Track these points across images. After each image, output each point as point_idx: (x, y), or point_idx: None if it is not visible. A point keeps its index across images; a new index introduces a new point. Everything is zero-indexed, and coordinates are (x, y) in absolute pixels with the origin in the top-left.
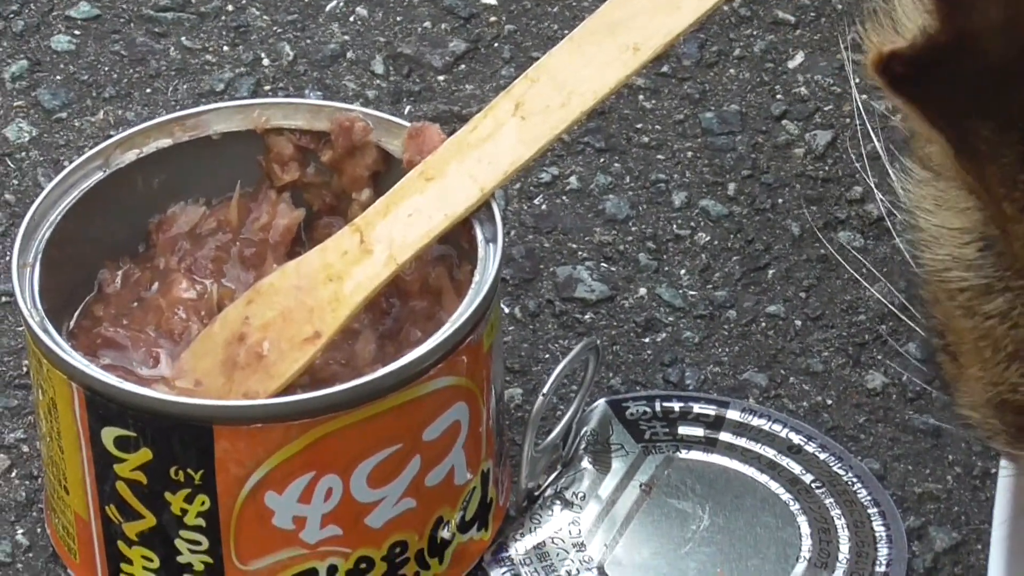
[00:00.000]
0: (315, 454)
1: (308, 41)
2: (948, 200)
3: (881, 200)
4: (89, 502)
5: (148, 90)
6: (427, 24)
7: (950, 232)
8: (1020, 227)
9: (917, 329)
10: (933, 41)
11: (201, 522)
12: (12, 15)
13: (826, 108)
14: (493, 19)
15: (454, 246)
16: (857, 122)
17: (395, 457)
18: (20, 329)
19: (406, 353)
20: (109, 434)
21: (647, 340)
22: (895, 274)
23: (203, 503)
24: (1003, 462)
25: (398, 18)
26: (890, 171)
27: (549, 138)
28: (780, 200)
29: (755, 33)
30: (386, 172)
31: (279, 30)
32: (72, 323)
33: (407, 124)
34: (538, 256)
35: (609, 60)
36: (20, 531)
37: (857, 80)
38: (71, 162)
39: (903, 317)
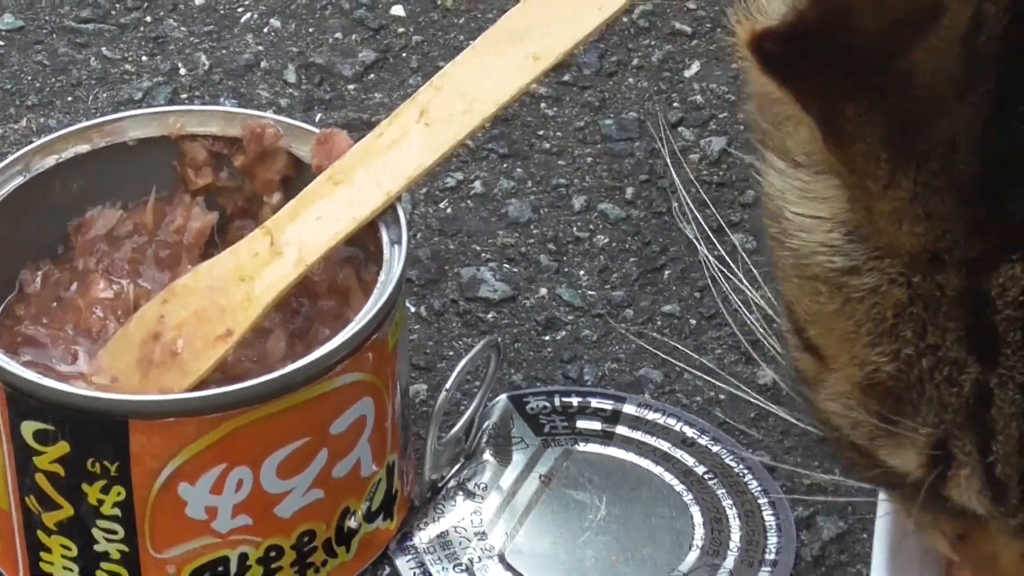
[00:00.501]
0: (226, 447)
1: (223, 51)
2: (813, 190)
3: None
4: (10, 493)
5: (69, 98)
6: (338, 35)
7: (816, 220)
8: (883, 204)
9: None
10: (803, 17)
11: (117, 512)
12: None
13: (720, 115)
14: (401, 30)
15: (361, 248)
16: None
17: (303, 450)
18: None
19: (315, 350)
20: (28, 428)
21: (547, 338)
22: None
23: (119, 494)
24: None
25: (310, 29)
26: (756, 165)
27: (452, 144)
28: (676, 203)
29: (653, 44)
30: (296, 177)
31: (196, 40)
32: None
33: (316, 130)
34: (443, 258)
35: (510, 69)
36: None
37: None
38: None
39: (764, 338)
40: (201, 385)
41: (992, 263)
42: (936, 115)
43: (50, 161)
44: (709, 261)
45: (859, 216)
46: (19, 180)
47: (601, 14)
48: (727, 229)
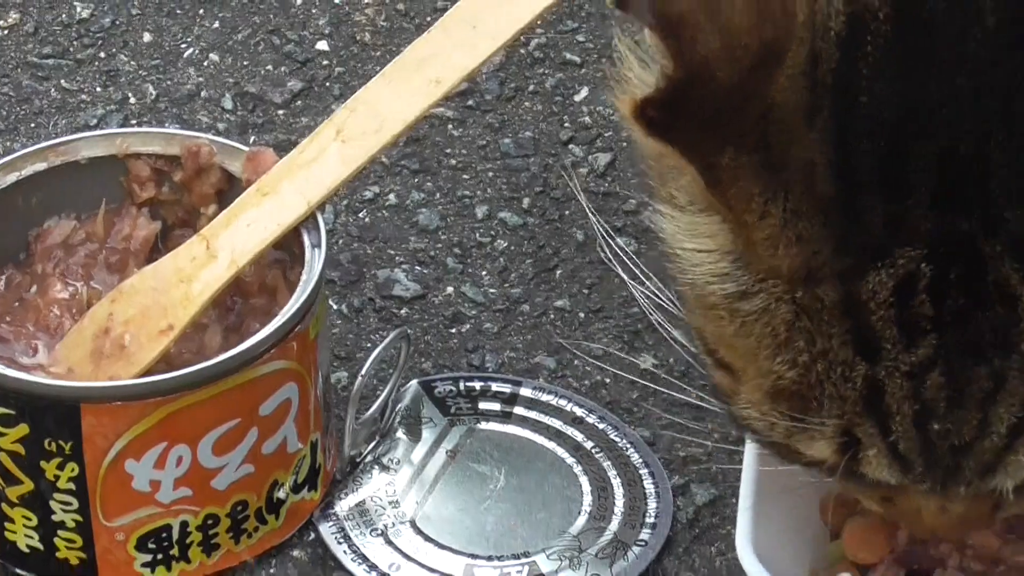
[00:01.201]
0: (167, 427)
1: (168, 82)
2: (699, 228)
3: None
4: None
5: (32, 125)
6: (269, 67)
7: (705, 254)
8: (760, 233)
9: (671, 331)
10: (672, 80)
11: (72, 486)
12: None
13: (606, 134)
14: (325, 63)
15: (287, 252)
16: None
17: (236, 430)
18: None
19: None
20: None
21: (453, 330)
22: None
23: (73, 470)
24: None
25: (245, 62)
26: (649, 215)
27: (365, 159)
28: (567, 212)
29: (547, 72)
30: (229, 190)
31: (144, 73)
32: None
33: (245, 148)
34: (362, 261)
35: (415, 92)
36: None
37: None
38: None
39: (657, 323)
40: (146, 374)
41: (861, 272)
42: (793, 145)
43: (12, 178)
44: (605, 253)
45: (741, 246)
46: None
47: (493, 43)
48: (611, 234)
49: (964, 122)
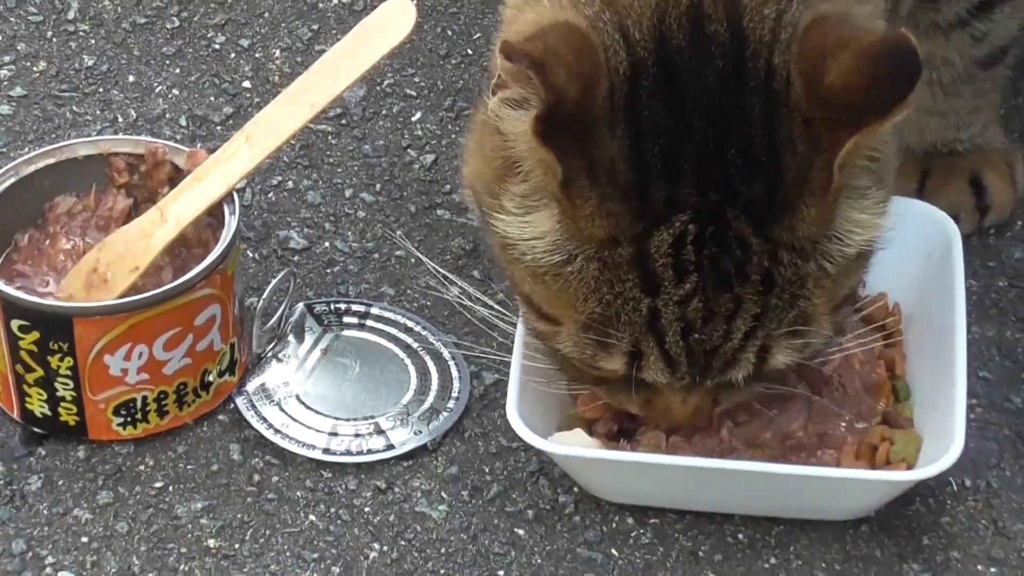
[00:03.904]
0: (132, 333)
1: (144, 108)
2: (532, 223)
3: None
4: (6, 364)
5: (53, 136)
6: (211, 98)
7: (538, 239)
8: (582, 212)
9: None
10: (546, 101)
11: (69, 373)
12: None
13: (432, 143)
14: (248, 95)
15: (215, 217)
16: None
17: (178, 334)
18: None
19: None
20: (15, 324)
21: (328, 271)
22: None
23: (69, 362)
24: (519, 329)
25: (196, 95)
26: (485, 226)
27: (263, 156)
28: (405, 193)
29: (394, 101)
30: (177, 177)
31: (128, 102)
32: None
33: (187, 150)
34: (268, 225)
35: (297, 112)
36: None
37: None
38: None
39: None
40: (120, 298)
41: (648, 234)
42: (601, 147)
43: (31, 168)
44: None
45: (567, 225)
46: (12, 179)
47: (349, 79)
48: (436, 205)
49: (708, 128)
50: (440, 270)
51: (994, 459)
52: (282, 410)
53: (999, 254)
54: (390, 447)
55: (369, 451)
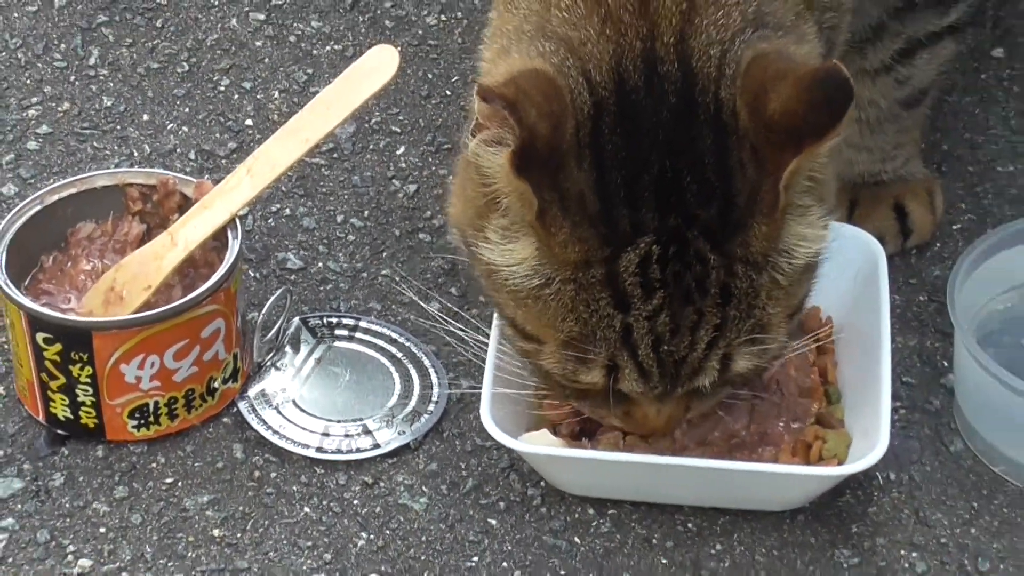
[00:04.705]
0: (145, 345)
1: (158, 144)
2: (512, 248)
3: None
4: (33, 372)
5: (76, 169)
6: (217, 135)
7: (518, 265)
8: (557, 239)
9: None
10: (520, 138)
11: (88, 380)
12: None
13: (415, 173)
14: (250, 132)
15: (219, 241)
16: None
17: (187, 346)
18: None
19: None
20: (40, 337)
21: (321, 288)
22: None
23: (89, 371)
24: (492, 341)
25: (203, 132)
26: (470, 257)
27: (263, 187)
28: (391, 218)
29: (380, 137)
30: (186, 205)
31: (143, 138)
32: (27, 283)
33: (194, 180)
34: (268, 247)
35: (294, 146)
36: (1, 388)
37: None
38: (23, 199)
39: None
40: (134, 313)
41: (617, 256)
42: (571, 179)
43: (55, 197)
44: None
45: (544, 251)
46: (38, 207)
47: (339, 117)
48: (418, 229)
49: (665, 158)
50: (423, 287)
51: (916, 455)
52: (280, 413)
53: (920, 272)
54: (376, 446)
55: (358, 450)
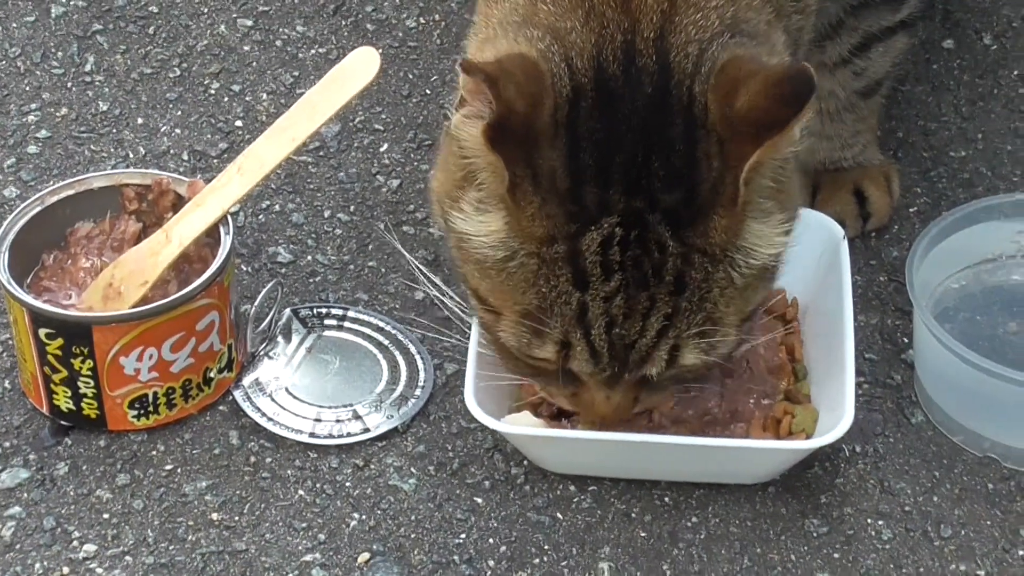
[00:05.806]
0: (143, 338)
1: (152, 145)
2: (484, 219)
3: None
4: (36, 366)
5: (75, 171)
6: (208, 136)
7: (486, 236)
8: (525, 213)
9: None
10: (497, 112)
11: (89, 373)
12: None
13: (397, 169)
14: (240, 133)
15: (213, 237)
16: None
17: (183, 338)
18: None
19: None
20: (42, 332)
21: (311, 280)
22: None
23: (89, 364)
24: (474, 328)
25: (195, 134)
26: (444, 229)
27: (252, 185)
28: (375, 213)
29: (364, 135)
30: (180, 204)
31: (138, 141)
32: (29, 280)
33: (187, 180)
34: (260, 242)
35: (281, 145)
36: (7, 382)
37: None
38: (23, 201)
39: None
40: (132, 308)
41: (581, 234)
42: (544, 156)
43: (54, 198)
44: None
45: (512, 224)
46: (38, 208)
47: (324, 116)
48: (402, 222)
49: (637, 144)
50: (408, 277)
51: (879, 428)
52: (273, 400)
53: (879, 253)
54: (366, 430)
55: (349, 434)
